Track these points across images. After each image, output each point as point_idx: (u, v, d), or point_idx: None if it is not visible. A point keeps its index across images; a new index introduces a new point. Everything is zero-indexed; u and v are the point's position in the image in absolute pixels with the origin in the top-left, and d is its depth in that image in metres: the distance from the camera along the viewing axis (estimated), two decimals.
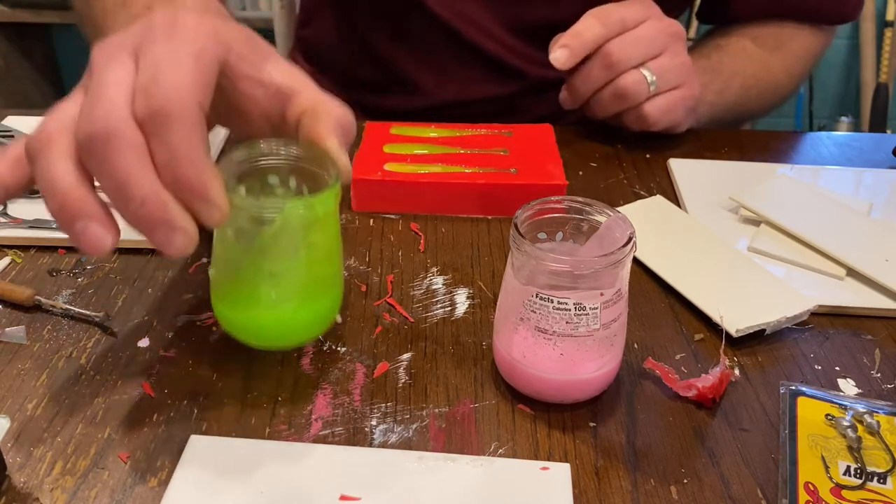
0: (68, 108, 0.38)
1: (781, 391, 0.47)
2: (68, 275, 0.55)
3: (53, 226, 0.58)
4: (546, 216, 0.45)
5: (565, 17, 0.69)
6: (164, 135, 0.36)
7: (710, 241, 0.59)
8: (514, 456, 0.43)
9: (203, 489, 0.40)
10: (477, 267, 0.58)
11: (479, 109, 0.83)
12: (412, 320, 0.53)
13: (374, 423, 0.45)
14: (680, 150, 0.73)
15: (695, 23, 1.91)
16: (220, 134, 0.73)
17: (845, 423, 0.44)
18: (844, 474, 0.41)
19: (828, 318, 0.54)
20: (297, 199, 0.42)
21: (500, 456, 0.43)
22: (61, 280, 0.55)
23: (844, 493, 0.40)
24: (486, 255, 0.59)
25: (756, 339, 0.51)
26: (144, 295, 0.54)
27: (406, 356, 0.50)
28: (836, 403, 0.46)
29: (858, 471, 0.42)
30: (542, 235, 0.46)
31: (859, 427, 0.44)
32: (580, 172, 0.70)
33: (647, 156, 0.73)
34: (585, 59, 0.68)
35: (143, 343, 0.50)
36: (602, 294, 0.42)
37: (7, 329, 0.51)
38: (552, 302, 0.42)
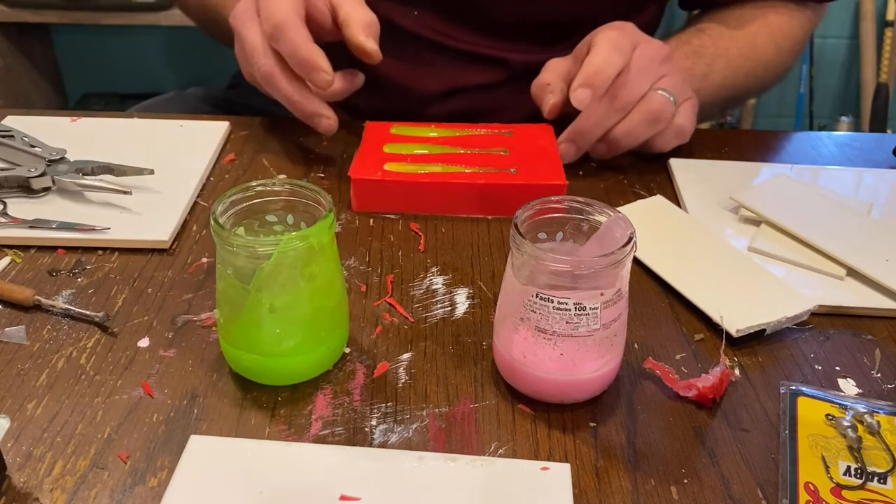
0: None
1: (782, 391, 0.47)
2: (68, 275, 0.55)
3: (53, 226, 0.59)
4: (546, 216, 0.45)
5: (538, 12, 0.67)
6: (282, 38, 0.62)
7: (710, 241, 0.59)
8: (514, 456, 0.43)
9: (203, 489, 0.40)
10: (477, 267, 0.58)
11: (465, 101, 0.82)
12: (412, 320, 0.53)
13: (374, 423, 0.45)
14: (680, 150, 0.73)
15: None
16: (220, 131, 0.73)
17: (845, 423, 0.44)
18: (845, 474, 0.41)
19: (828, 318, 0.54)
20: (291, 233, 0.43)
21: (500, 456, 0.43)
22: (61, 280, 0.55)
23: (845, 493, 0.40)
24: (486, 255, 0.59)
25: (756, 339, 0.51)
26: (144, 295, 0.54)
27: (406, 356, 0.49)
28: (837, 403, 0.46)
29: (859, 471, 0.42)
30: (542, 235, 0.46)
31: (859, 427, 0.44)
32: (580, 172, 0.70)
33: (648, 156, 0.73)
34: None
35: (143, 343, 0.50)
36: (602, 294, 0.42)
37: (7, 329, 0.51)
38: (552, 302, 0.42)
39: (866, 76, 2.15)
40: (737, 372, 0.49)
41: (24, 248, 0.58)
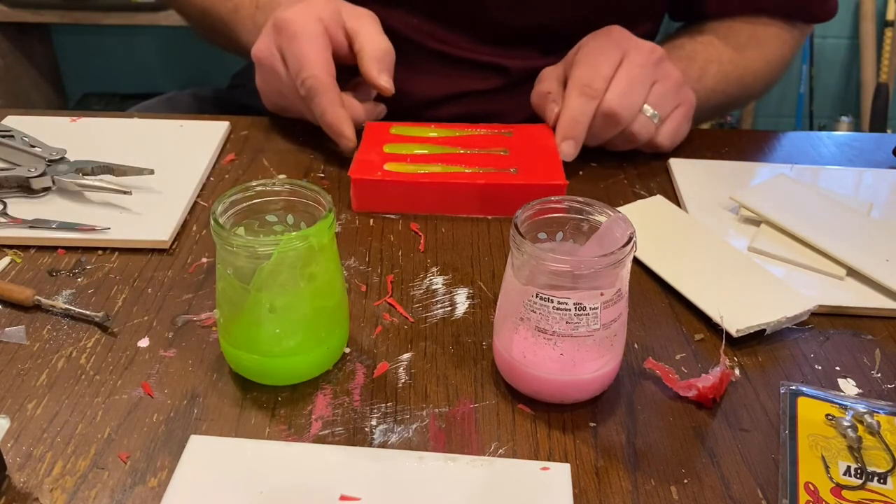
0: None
1: (782, 391, 0.47)
2: (68, 275, 0.55)
3: (53, 226, 0.59)
4: (546, 216, 0.45)
5: (537, 22, 0.68)
6: (312, 100, 0.66)
7: (710, 241, 0.59)
8: (514, 456, 0.43)
9: (203, 489, 0.40)
10: (477, 267, 0.58)
11: (463, 106, 0.82)
12: (412, 320, 0.53)
13: (374, 423, 0.45)
14: (680, 150, 0.73)
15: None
16: (220, 131, 0.73)
17: (845, 423, 0.44)
18: (845, 474, 0.41)
19: (828, 318, 0.54)
20: (291, 233, 0.43)
21: (500, 456, 0.43)
22: (61, 280, 0.55)
23: (845, 493, 0.40)
24: (486, 255, 0.59)
25: (756, 339, 0.51)
26: (144, 295, 0.54)
27: (406, 356, 0.49)
28: (837, 403, 0.46)
29: (859, 471, 0.42)
30: (542, 235, 0.46)
31: (859, 427, 0.44)
32: (580, 172, 0.70)
33: (648, 156, 0.73)
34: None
35: (143, 343, 0.50)
36: (602, 294, 0.42)
37: (7, 329, 0.51)
38: (552, 302, 0.42)
39: (866, 76, 2.15)
40: (737, 372, 0.49)
41: (24, 248, 0.58)
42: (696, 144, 0.75)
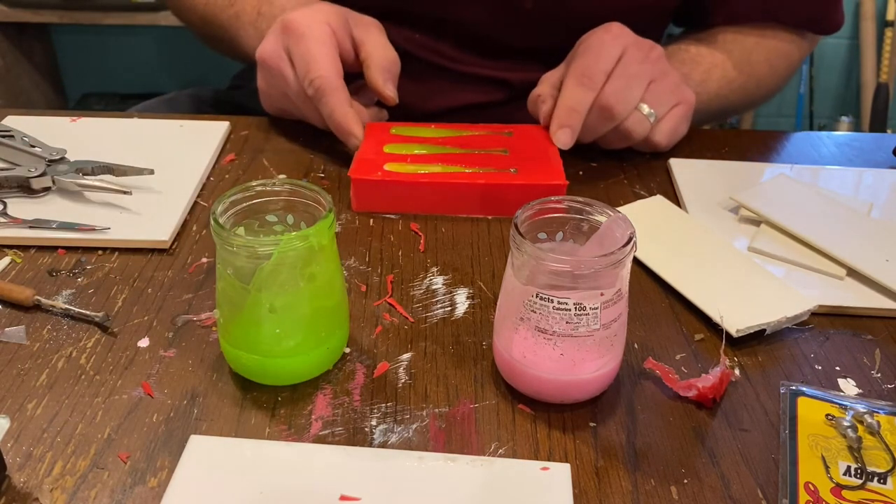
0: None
1: (782, 391, 0.47)
2: (68, 275, 0.55)
3: (53, 226, 0.59)
4: (546, 216, 0.45)
5: (539, 43, 0.68)
6: (321, 100, 0.66)
7: (710, 241, 0.59)
8: (514, 456, 0.43)
9: (203, 489, 0.40)
10: (477, 267, 0.58)
11: (465, 119, 0.82)
12: (412, 320, 0.53)
13: (374, 423, 0.45)
14: (680, 150, 0.73)
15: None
16: (220, 131, 0.73)
17: (845, 423, 0.44)
18: (845, 474, 0.41)
19: (828, 318, 0.54)
20: (291, 233, 0.43)
21: (500, 456, 0.43)
22: (61, 280, 0.55)
23: (845, 493, 0.40)
24: (486, 255, 0.59)
25: (756, 339, 0.51)
26: (144, 295, 0.54)
27: (406, 356, 0.49)
28: (837, 403, 0.46)
29: (859, 471, 0.42)
30: (542, 235, 0.46)
31: (859, 427, 0.44)
32: (580, 172, 0.70)
33: (647, 156, 0.73)
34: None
35: (143, 343, 0.50)
36: (602, 294, 0.42)
37: (7, 329, 0.51)
38: (552, 302, 0.42)
39: (866, 76, 2.15)
40: (737, 372, 0.49)
41: (24, 248, 0.58)
42: (696, 144, 0.75)
